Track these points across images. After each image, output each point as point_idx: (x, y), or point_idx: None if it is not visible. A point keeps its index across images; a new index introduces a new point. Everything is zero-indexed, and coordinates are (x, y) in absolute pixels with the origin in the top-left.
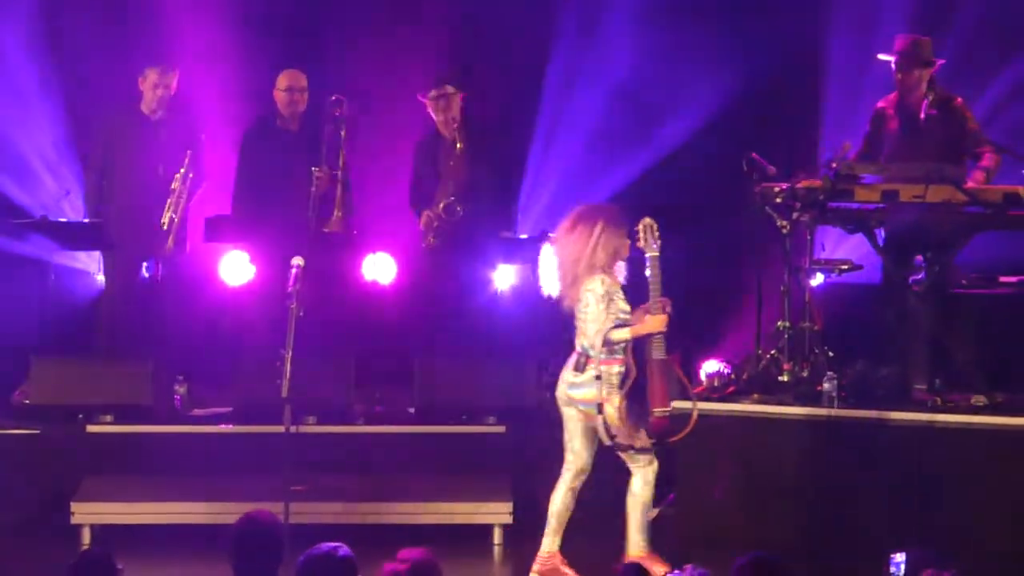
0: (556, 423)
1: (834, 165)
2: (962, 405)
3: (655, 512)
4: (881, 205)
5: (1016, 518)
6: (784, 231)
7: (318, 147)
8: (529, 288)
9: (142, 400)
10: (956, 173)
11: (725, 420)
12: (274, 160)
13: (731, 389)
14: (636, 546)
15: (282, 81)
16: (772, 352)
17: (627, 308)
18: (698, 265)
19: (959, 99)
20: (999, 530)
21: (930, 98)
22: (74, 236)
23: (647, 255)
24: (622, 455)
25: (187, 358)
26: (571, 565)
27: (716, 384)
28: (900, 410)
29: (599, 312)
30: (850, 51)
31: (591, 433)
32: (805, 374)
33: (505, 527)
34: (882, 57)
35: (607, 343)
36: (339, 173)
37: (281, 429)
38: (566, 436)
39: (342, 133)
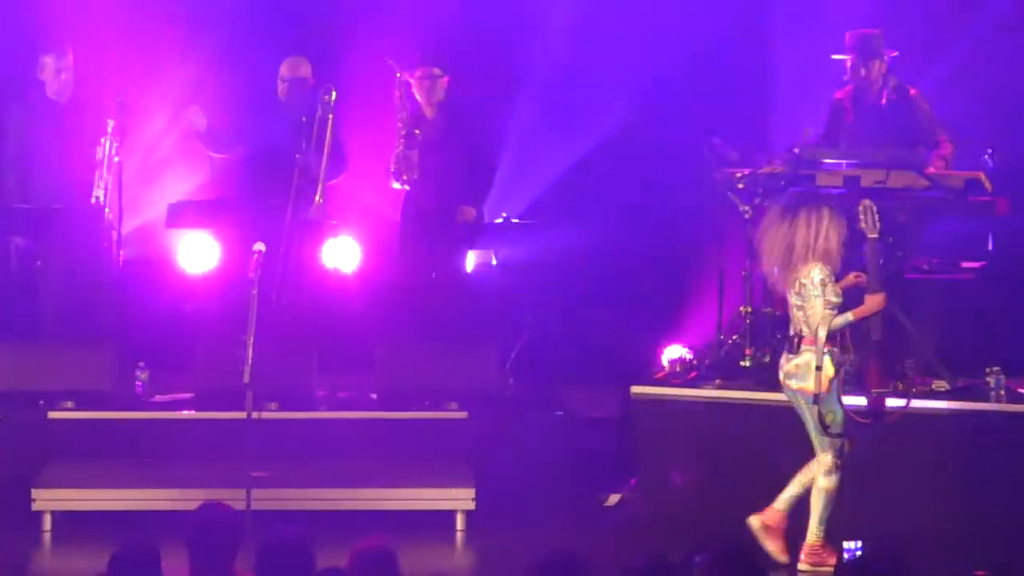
0: (521, 409)
1: (796, 150)
2: (924, 390)
3: (616, 498)
4: (843, 190)
5: (974, 503)
6: (746, 216)
7: (308, 134)
8: (492, 273)
9: (103, 386)
10: (918, 158)
11: (687, 405)
12: (267, 144)
13: (693, 374)
14: (815, 536)
15: (282, 69)
16: (734, 337)
17: (839, 291)
18: (660, 250)
19: (914, 89)
20: (956, 514)
21: (890, 87)
22: (34, 223)
23: (868, 236)
24: (816, 443)
25: (148, 343)
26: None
27: (678, 369)
28: (860, 395)
29: (821, 302)
30: (798, 36)
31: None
32: (767, 359)
33: (468, 513)
34: (836, 57)
35: (831, 331)
36: (324, 161)
37: (243, 415)
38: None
39: (329, 121)
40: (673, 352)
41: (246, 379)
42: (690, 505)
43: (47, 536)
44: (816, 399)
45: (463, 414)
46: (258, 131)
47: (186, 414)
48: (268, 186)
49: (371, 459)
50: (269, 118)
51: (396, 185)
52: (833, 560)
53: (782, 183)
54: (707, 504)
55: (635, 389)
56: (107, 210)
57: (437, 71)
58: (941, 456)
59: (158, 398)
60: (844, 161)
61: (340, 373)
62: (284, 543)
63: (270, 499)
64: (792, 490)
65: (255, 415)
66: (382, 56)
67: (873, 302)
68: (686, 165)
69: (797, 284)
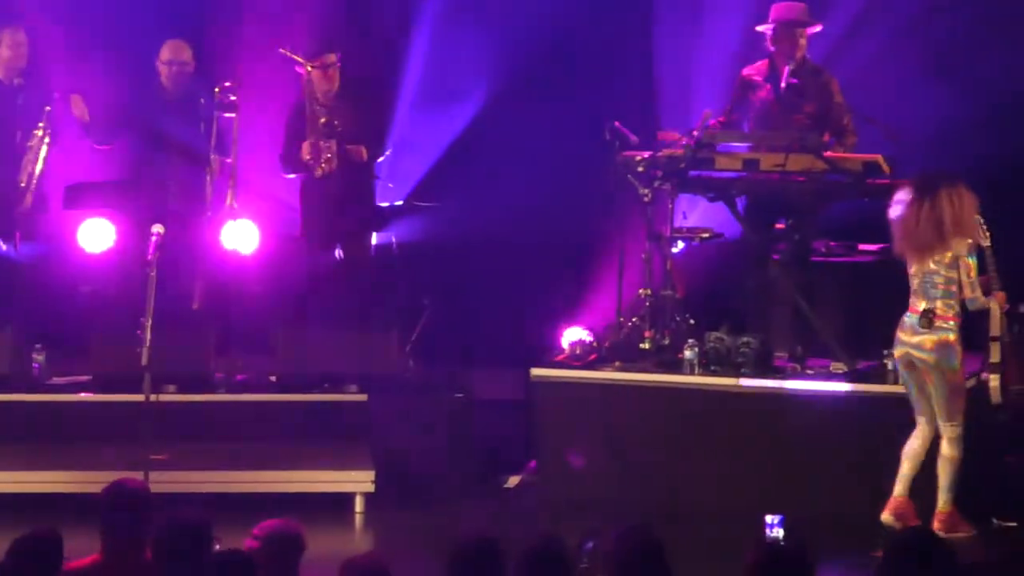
0: (420, 391)
1: (695, 133)
2: (822, 372)
3: (516, 480)
4: (742, 174)
5: (874, 483)
6: (646, 199)
7: (195, 122)
8: (391, 256)
9: (0, 368)
10: (817, 141)
11: (587, 388)
12: (152, 129)
13: (593, 357)
14: (944, 503)
15: (163, 52)
16: (634, 320)
17: None
18: (560, 233)
19: (827, 72)
20: (854, 495)
21: (804, 67)
22: None
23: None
24: (943, 413)
25: (46, 325)
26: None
27: (578, 352)
28: (760, 377)
29: (975, 276)
30: (685, 13)
31: (926, 388)
32: (666, 342)
33: (367, 495)
34: (760, 28)
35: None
36: (232, 160)
37: (141, 398)
38: (913, 394)
39: (235, 120)
40: (573, 334)
41: (144, 361)
42: (589, 486)
43: None
44: (989, 368)
45: (363, 396)
46: (142, 117)
47: (84, 396)
48: (154, 169)
49: (270, 441)
50: (151, 103)
51: (318, 173)
52: (966, 527)
53: (681, 165)
54: (606, 486)
55: (535, 371)
56: (28, 196)
57: (333, 58)
58: (839, 437)
59: (55, 380)
60: (743, 144)
61: (239, 355)
62: (180, 525)
63: (169, 482)
64: (906, 472)
65: (153, 398)
66: (268, 41)
67: (1000, 298)
68: (587, 148)
69: (946, 258)
